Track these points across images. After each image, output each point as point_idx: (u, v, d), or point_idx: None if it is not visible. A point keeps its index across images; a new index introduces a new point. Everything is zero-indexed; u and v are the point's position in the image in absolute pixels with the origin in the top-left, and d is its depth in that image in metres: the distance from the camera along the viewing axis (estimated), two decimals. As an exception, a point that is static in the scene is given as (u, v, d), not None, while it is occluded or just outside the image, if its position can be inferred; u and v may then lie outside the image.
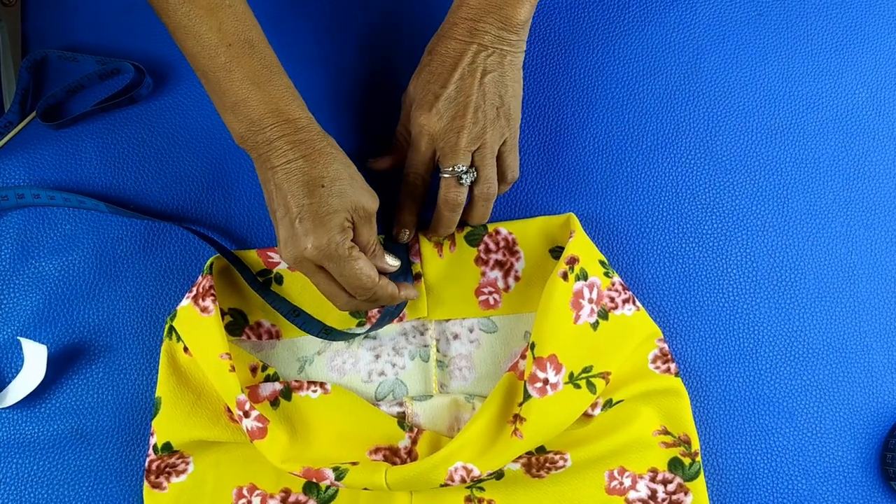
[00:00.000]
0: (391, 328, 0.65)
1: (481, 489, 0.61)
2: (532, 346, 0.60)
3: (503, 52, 0.59)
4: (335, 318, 0.65)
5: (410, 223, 0.64)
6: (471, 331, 0.65)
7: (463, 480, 0.58)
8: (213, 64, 0.55)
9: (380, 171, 0.65)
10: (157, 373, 0.64)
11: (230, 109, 0.56)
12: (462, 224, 0.65)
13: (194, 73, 0.70)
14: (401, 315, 0.65)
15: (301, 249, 0.55)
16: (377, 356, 0.65)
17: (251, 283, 0.64)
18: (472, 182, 0.61)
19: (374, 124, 0.70)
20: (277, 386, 0.63)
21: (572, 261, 0.61)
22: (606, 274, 0.63)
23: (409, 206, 0.63)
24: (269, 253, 0.65)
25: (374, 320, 0.65)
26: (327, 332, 0.63)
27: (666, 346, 0.63)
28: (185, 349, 0.62)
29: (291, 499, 0.61)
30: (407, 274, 0.64)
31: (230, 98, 0.56)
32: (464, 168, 0.60)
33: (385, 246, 0.65)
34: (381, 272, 0.60)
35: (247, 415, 0.59)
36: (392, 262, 0.61)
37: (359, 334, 0.63)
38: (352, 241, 0.58)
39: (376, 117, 0.70)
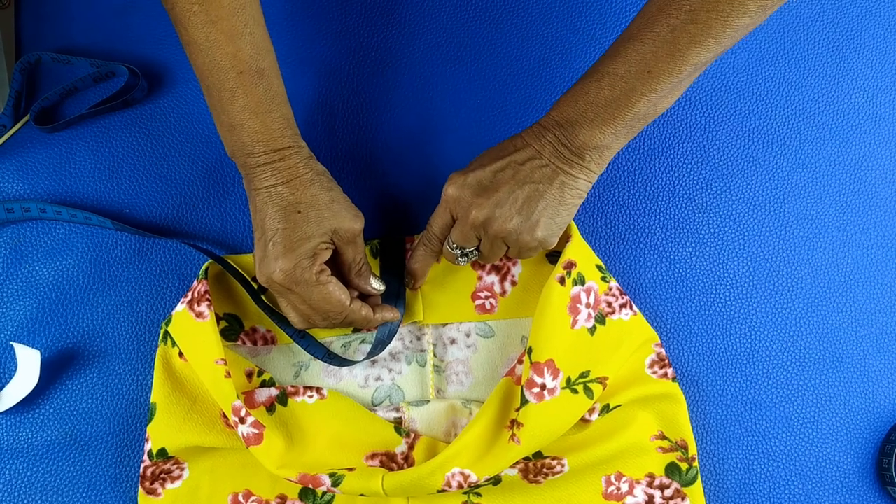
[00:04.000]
0: (388, 333, 0.65)
1: (478, 495, 0.61)
2: (529, 350, 0.60)
3: (556, 170, 0.56)
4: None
5: (419, 274, 0.63)
6: (468, 336, 0.65)
7: (460, 486, 0.58)
8: (221, 86, 0.56)
9: None
10: (151, 378, 0.64)
11: (227, 128, 0.58)
12: None
13: (191, 77, 0.70)
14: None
15: (270, 272, 0.57)
16: (373, 361, 0.65)
17: (254, 296, 0.63)
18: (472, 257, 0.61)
19: (372, 128, 0.69)
20: (273, 391, 0.62)
21: (569, 265, 0.61)
22: (604, 279, 0.63)
23: (421, 257, 0.62)
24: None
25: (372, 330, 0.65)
26: (331, 357, 0.63)
27: (663, 350, 0.63)
28: (181, 354, 0.62)
29: (287, 505, 0.61)
30: (398, 296, 0.64)
31: (228, 119, 0.57)
32: (464, 251, 0.59)
33: (382, 258, 0.65)
34: (366, 294, 0.61)
35: (242, 421, 0.59)
36: (376, 287, 0.61)
37: (360, 361, 0.64)
38: (336, 261, 0.60)
39: (376, 119, 0.70)
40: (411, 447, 0.62)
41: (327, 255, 0.58)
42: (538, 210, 0.57)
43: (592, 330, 0.61)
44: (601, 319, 0.62)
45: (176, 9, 0.55)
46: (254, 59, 0.56)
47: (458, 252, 0.60)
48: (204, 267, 0.63)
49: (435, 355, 0.65)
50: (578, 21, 0.72)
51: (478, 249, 0.60)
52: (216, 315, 0.63)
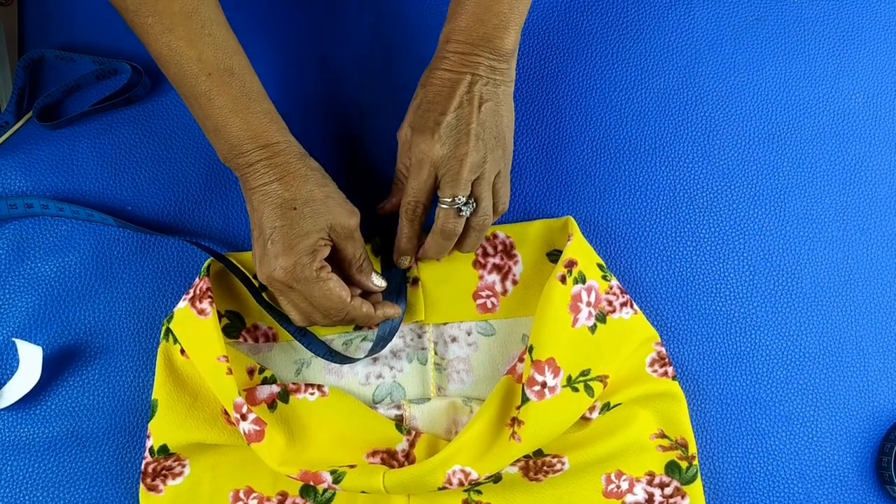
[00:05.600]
0: (389, 331, 0.65)
1: (479, 492, 0.61)
2: (530, 349, 0.60)
3: (496, 82, 0.60)
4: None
5: (410, 250, 0.63)
6: (468, 334, 0.65)
7: (461, 484, 0.58)
8: (195, 91, 0.57)
9: (388, 213, 0.65)
10: (153, 375, 0.64)
11: (212, 132, 0.58)
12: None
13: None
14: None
15: (271, 270, 0.57)
16: (375, 359, 0.65)
17: (255, 294, 0.64)
18: (470, 213, 0.60)
19: (366, 127, 0.70)
20: (275, 388, 0.62)
21: (570, 264, 0.61)
22: (604, 277, 0.63)
23: (408, 233, 0.62)
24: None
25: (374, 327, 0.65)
26: (332, 355, 0.63)
27: (663, 349, 0.63)
28: (182, 351, 0.62)
29: (288, 502, 0.61)
30: (400, 292, 0.64)
31: (212, 123, 0.58)
32: (464, 199, 0.59)
33: (383, 255, 0.65)
34: (367, 290, 0.62)
35: (244, 417, 0.59)
36: (378, 283, 0.62)
37: (361, 358, 0.64)
38: (336, 257, 0.60)
39: (368, 120, 0.70)
40: (412, 445, 0.62)
41: (326, 251, 0.58)
42: (502, 126, 0.60)
43: (593, 328, 0.61)
44: (602, 318, 0.62)
45: (134, 25, 0.56)
46: (219, 58, 0.57)
47: (460, 203, 0.59)
48: (206, 264, 0.63)
49: (436, 353, 0.65)
50: (579, 24, 0.72)
51: (472, 198, 0.60)
52: (218, 312, 0.63)
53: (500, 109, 0.60)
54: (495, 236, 0.66)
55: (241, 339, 0.65)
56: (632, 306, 0.63)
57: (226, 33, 0.58)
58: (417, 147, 0.59)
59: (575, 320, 0.60)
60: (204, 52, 0.56)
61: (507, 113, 0.60)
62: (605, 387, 0.61)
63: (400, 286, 0.64)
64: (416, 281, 0.65)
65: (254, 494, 0.61)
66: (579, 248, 0.63)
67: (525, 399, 0.59)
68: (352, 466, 0.59)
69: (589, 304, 0.61)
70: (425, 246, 0.63)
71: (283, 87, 0.70)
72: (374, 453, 0.62)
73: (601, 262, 0.64)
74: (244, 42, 0.59)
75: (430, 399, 0.63)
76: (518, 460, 0.61)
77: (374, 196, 0.68)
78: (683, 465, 0.61)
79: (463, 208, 0.60)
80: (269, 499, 0.61)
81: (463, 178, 0.58)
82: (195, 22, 0.56)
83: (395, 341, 0.65)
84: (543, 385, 0.59)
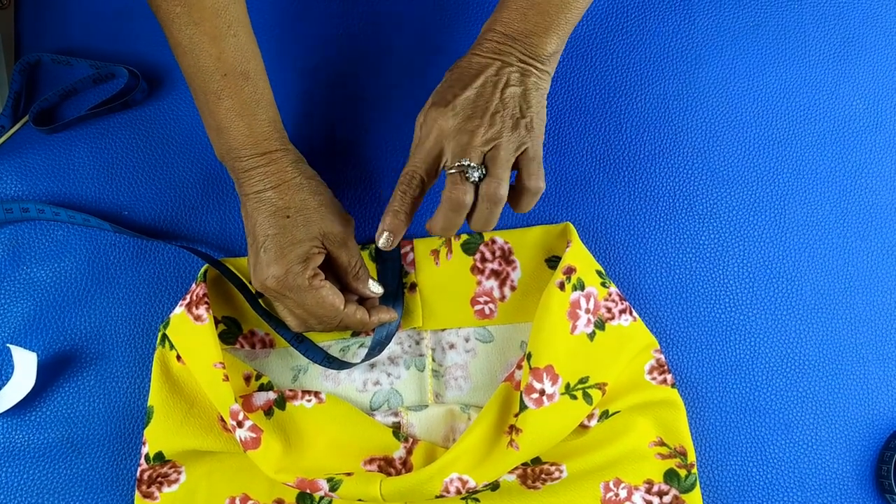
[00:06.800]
0: (386, 337, 0.65)
1: (476, 500, 0.61)
2: (528, 356, 0.60)
3: (527, 73, 0.57)
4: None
5: (395, 228, 0.56)
6: (466, 340, 0.65)
7: (458, 492, 0.58)
8: (206, 88, 0.57)
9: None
10: (149, 381, 0.63)
11: (214, 131, 0.58)
12: (461, 232, 0.65)
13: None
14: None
15: (264, 278, 0.57)
16: (372, 365, 0.65)
17: (251, 301, 0.63)
18: (479, 179, 0.55)
19: (368, 134, 0.69)
20: (271, 395, 0.62)
21: (569, 270, 0.61)
22: (603, 284, 0.63)
23: (396, 207, 0.55)
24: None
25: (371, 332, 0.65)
26: (330, 361, 0.63)
27: (662, 356, 0.63)
28: (179, 358, 0.62)
29: (285, 509, 0.61)
30: (397, 297, 0.64)
31: (215, 122, 0.57)
32: (468, 163, 0.54)
33: (378, 259, 0.65)
34: (364, 297, 0.61)
35: (240, 424, 0.59)
36: (374, 290, 0.61)
37: (358, 363, 0.64)
38: (332, 265, 0.59)
39: (372, 123, 0.69)
40: (410, 452, 0.61)
41: (319, 259, 0.58)
42: (528, 110, 0.56)
43: (592, 335, 0.61)
44: (601, 325, 0.62)
45: (160, 11, 0.56)
46: (238, 61, 0.56)
47: (467, 164, 0.54)
48: (202, 270, 0.63)
49: (434, 360, 0.65)
50: (578, 29, 0.72)
51: (483, 166, 0.55)
52: (214, 318, 0.63)
53: (527, 95, 0.56)
54: (493, 242, 0.66)
55: (237, 346, 0.64)
56: (631, 313, 0.63)
57: (249, 36, 0.57)
58: (429, 115, 0.55)
59: (574, 327, 0.60)
60: (225, 51, 0.56)
61: (536, 103, 0.57)
62: (603, 394, 0.61)
63: (397, 291, 0.64)
64: (413, 287, 0.65)
65: (250, 502, 0.61)
66: (578, 255, 0.62)
67: (523, 406, 0.59)
68: (349, 474, 0.59)
69: (588, 311, 0.61)
70: (433, 219, 0.57)
71: (284, 92, 0.69)
72: (371, 461, 0.61)
73: (600, 268, 0.64)
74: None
75: (427, 406, 0.63)
76: (516, 468, 0.61)
77: (371, 203, 0.68)
78: (682, 473, 0.61)
79: (469, 171, 0.54)
80: (265, 506, 0.61)
81: (472, 147, 0.54)
82: (223, 20, 0.55)
83: (393, 347, 0.65)
84: (542, 392, 0.59)
